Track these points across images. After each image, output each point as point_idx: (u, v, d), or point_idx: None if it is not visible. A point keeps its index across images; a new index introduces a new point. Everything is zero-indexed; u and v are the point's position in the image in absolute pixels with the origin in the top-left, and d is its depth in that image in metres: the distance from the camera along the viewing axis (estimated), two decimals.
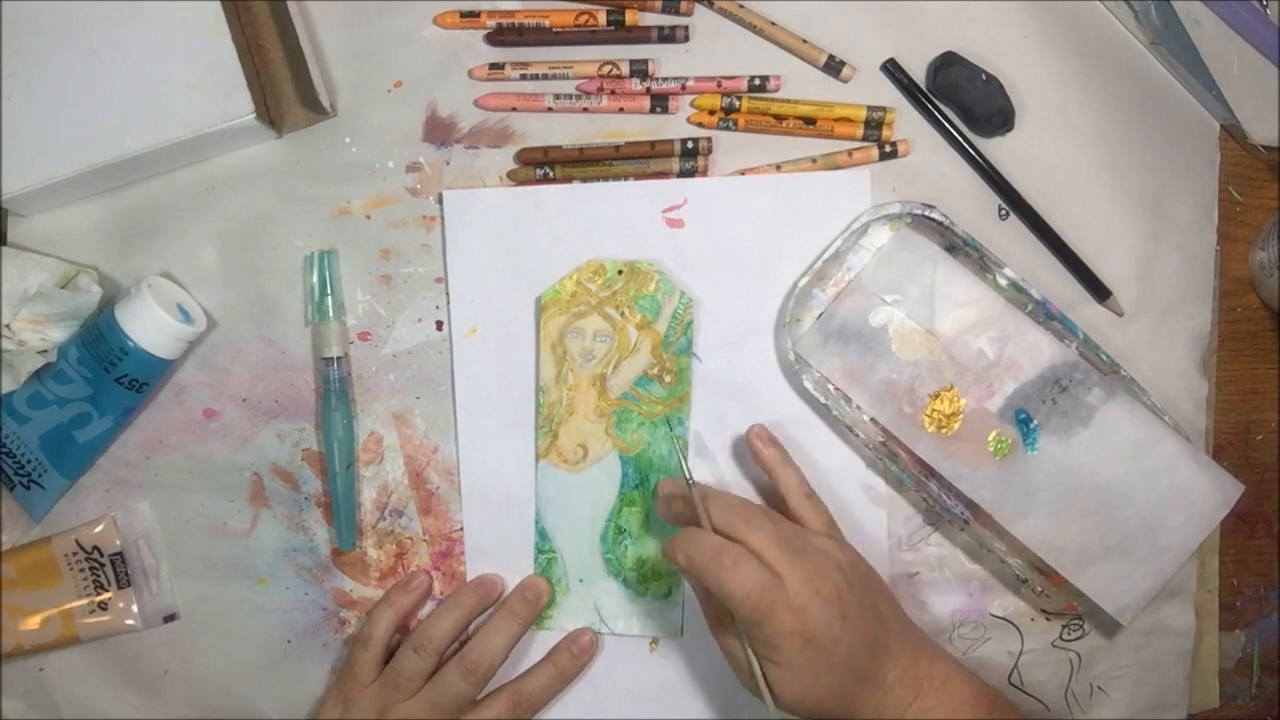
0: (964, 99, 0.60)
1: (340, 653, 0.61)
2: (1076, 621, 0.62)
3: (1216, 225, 0.64)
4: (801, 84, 0.61)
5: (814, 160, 0.61)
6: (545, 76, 0.61)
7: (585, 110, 0.61)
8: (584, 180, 0.61)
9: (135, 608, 0.61)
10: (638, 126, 0.61)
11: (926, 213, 0.60)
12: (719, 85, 0.61)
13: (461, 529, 0.61)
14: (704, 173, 0.61)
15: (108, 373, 0.56)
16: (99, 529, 0.60)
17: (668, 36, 0.61)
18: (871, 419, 0.60)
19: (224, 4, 0.56)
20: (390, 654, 0.59)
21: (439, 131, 0.61)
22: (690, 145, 0.61)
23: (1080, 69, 0.62)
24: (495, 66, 0.60)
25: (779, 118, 0.61)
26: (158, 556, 0.61)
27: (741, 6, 0.61)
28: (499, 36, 0.61)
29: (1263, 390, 0.65)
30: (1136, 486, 0.59)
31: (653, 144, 0.61)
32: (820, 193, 0.61)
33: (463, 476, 0.61)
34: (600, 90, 0.61)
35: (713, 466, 0.61)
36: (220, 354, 0.61)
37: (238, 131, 0.57)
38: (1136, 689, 0.63)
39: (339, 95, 0.61)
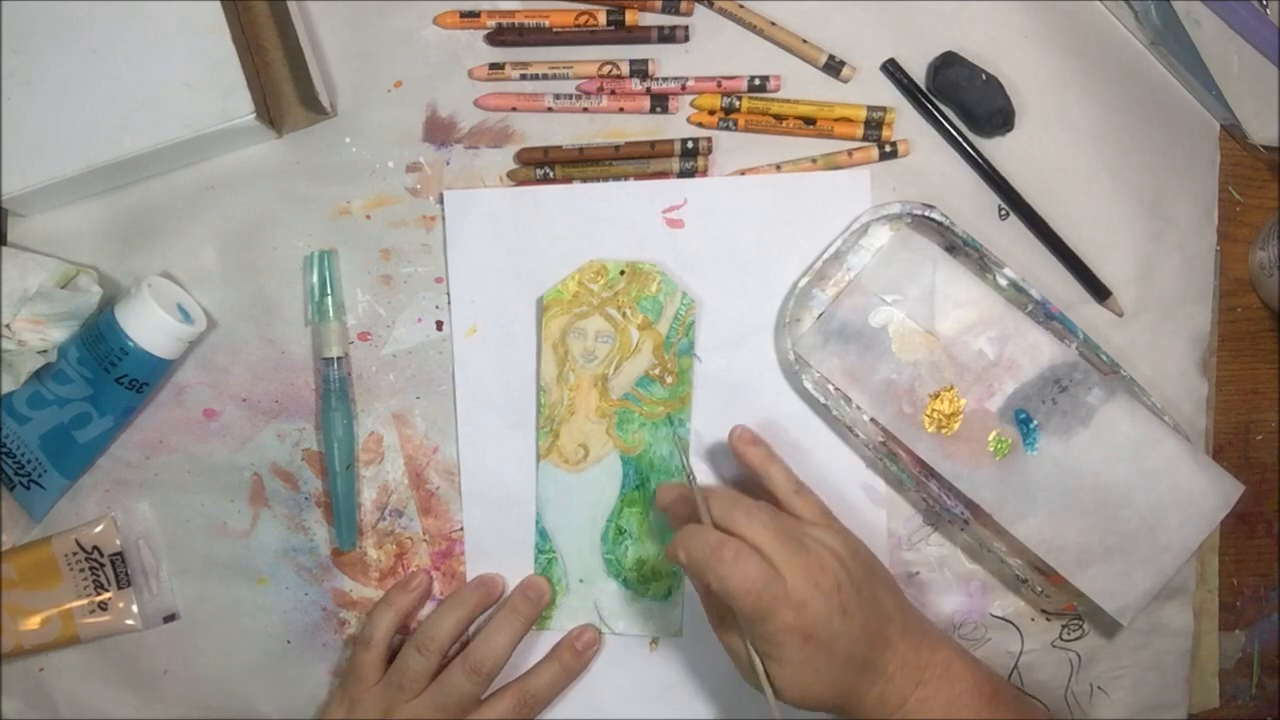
0: (964, 99, 0.60)
1: (340, 653, 0.61)
2: (1076, 621, 0.62)
3: (1216, 225, 0.64)
4: (801, 84, 0.61)
5: (814, 160, 0.61)
6: (545, 76, 0.61)
7: (585, 110, 0.61)
8: (584, 180, 0.61)
9: (135, 608, 0.61)
10: (638, 126, 0.61)
11: (926, 213, 0.60)
12: (719, 85, 0.61)
13: (461, 529, 0.61)
14: (704, 173, 0.61)
15: (108, 373, 0.56)
16: (99, 529, 0.60)
17: (668, 36, 0.61)
18: (871, 419, 0.60)
19: (224, 4, 0.56)
20: (392, 655, 0.59)
21: (439, 131, 0.61)
22: (690, 145, 0.61)
23: (1080, 69, 0.62)
24: (495, 66, 0.60)
25: (779, 118, 0.61)
26: (158, 556, 0.61)
27: (741, 6, 0.61)
28: (499, 36, 0.61)
29: (1263, 390, 0.65)
30: (1136, 486, 0.59)
31: (653, 144, 0.61)
32: (820, 193, 0.61)
33: (463, 476, 0.61)
34: (600, 90, 0.61)
35: (713, 466, 0.61)
36: (220, 354, 0.61)
37: (238, 131, 0.57)
38: (1136, 689, 0.63)
39: (339, 95, 0.61)
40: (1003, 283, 0.60)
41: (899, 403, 0.60)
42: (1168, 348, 0.63)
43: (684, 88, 0.61)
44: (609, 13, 0.61)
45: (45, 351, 0.56)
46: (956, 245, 0.61)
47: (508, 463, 0.61)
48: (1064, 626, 0.63)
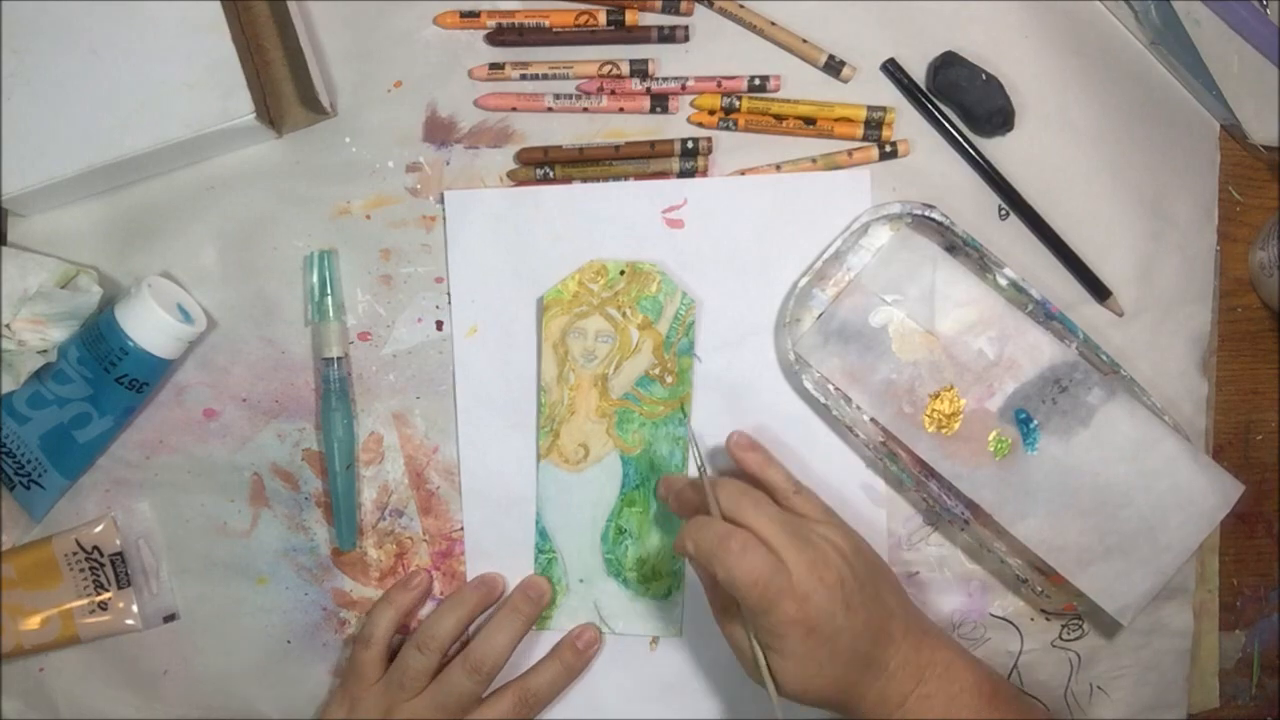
0: (964, 99, 0.60)
1: (340, 653, 0.61)
2: (1076, 621, 0.62)
3: (1216, 225, 0.64)
4: (801, 84, 0.61)
5: (814, 160, 0.61)
6: (545, 76, 0.61)
7: (585, 110, 0.61)
8: (584, 180, 0.61)
9: (135, 608, 0.61)
10: (638, 126, 0.61)
11: (926, 213, 0.60)
12: (719, 85, 0.61)
13: (462, 529, 0.62)
14: (704, 173, 0.61)
15: (108, 373, 0.56)
16: (99, 529, 0.60)
17: (668, 36, 0.61)
18: (871, 419, 0.60)
19: (224, 4, 0.56)
20: (392, 654, 0.59)
21: (439, 131, 0.61)
22: (690, 145, 0.61)
23: (1080, 69, 0.62)
24: (495, 66, 0.60)
25: (779, 118, 0.61)
26: (158, 556, 0.61)
27: (741, 6, 0.61)
28: (499, 36, 0.61)
29: (1263, 390, 0.65)
30: (1136, 486, 0.59)
31: (653, 144, 0.61)
32: (820, 193, 0.61)
33: (463, 476, 0.61)
34: (600, 90, 0.61)
35: (713, 466, 0.61)
36: (220, 354, 0.61)
37: (238, 131, 0.57)
38: (1136, 689, 0.63)
39: (339, 95, 0.61)
40: (1003, 283, 0.60)
41: (899, 403, 0.60)
42: (1168, 348, 0.63)
43: (684, 88, 0.61)
44: (609, 13, 0.61)
45: (45, 351, 0.56)
46: (956, 245, 0.61)
47: (508, 462, 0.61)
48: (1064, 626, 0.63)
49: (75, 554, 0.60)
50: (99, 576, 0.60)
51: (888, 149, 0.61)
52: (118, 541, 0.60)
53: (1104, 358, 0.60)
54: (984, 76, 0.60)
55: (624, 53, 0.61)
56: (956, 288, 0.60)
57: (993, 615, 0.62)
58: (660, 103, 0.61)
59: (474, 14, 0.60)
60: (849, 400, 0.60)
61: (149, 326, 0.56)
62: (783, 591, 0.48)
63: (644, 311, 0.60)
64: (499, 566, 0.61)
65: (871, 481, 0.61)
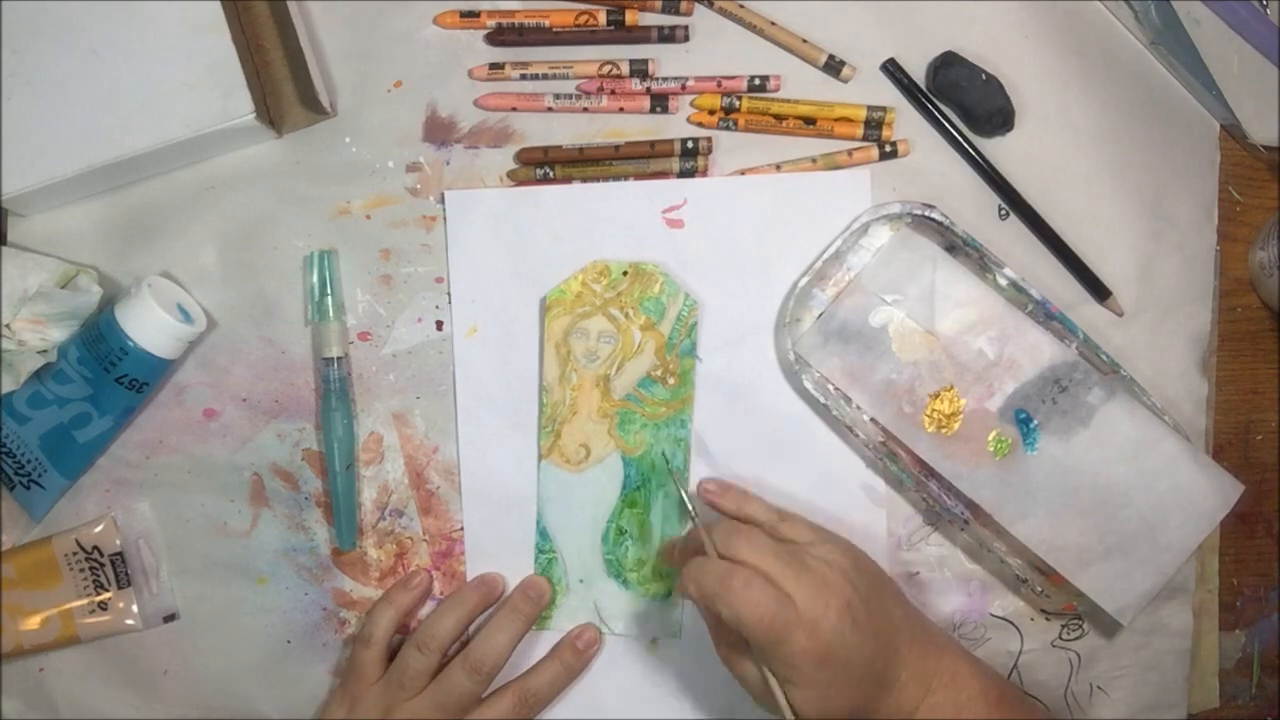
0: (964, 99, 0.60)
1: (340, 653, 0.61)
2: (1076, 621, 0.62)
3: (1216, 225, 0.64)
4: (801, 84, 0.61)
5: (814, 160, 0.61)
6: (545, 76, 0.61)
7: (585, 110, 0.61)
8: (584, 180, 0.61)
9: (135, 608, 0.61)
10: (638, 126, 0.61)
11: (926, 213, 0.60)
12: (719, 85, 0.61)
13: (462, 529, 0.61)
14: (704, 173, 0.61)
15: (108, 373, 0.56)
16: (99, 529, 0.60)
17: (668, 36, 0.61)
18: (871, 419, 0.60)
19: (224, 4, 0.56)
20: (392, 653, 0.59)
21: (439, 131, 0.61)
22: (690, 145, 0.61)
23: (1080, 69, 0.62)
24: (495, 66, 0.60)
25: (779, 118, 0.61)
26: (158, 556, 0.61)
27: (741, 6, 0.61)
28: (499, 36, 0.61)
29: (1263, 390, 0.65)
30: (1136, 486, 0.59)
31: (653, 144, 0.61)
32: (820, 193, 0.61)
33: (463, 476, 0.61)
34: (600, 90, 0.61)
35: (713, 466, 0.61)
36: (220, 354, 0.61)
37: (238, 131, 0.57)
38: (1136, 689, 0.63)
39: (339, 95, 0.61)
40: (1003, 283, 0.60)
41: (899, 403, 0.60)
42: (1168, 348, 0.63)
43: (684, 88, 0.61)
44: (609, 13, 0.61)
45: (45, 351, 0.56)
46: (956, 245, 0.61)
47: (508, 463, 0.61)
48: (1064, 626, 0.63)
49: (75, 554, 0.60)
50: (99, 576, 0.60)
51: (888, 149, 0.61)
52: (118, 541, 0.60)
53: (1104, 358, 0.60)
54: (984, 76, 0.60)
55: (624, 53, 0.61)
56: (956, 288, 0.60)
57: (993, 615, 0.62)
58: (660, 103, 0.61)
59: (474, 14, 0.60)
60: (849, 400, 0.60)
61: (149, 326, 0.56)
62: (790, 623, 0.47)
63: (646, 312, 0.60)
64: (499, 566, 0.61)
65: (871, 481, 0.61)
